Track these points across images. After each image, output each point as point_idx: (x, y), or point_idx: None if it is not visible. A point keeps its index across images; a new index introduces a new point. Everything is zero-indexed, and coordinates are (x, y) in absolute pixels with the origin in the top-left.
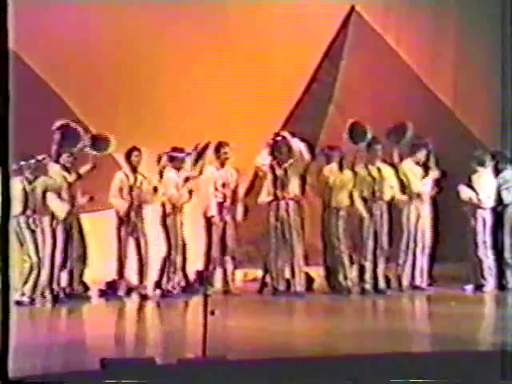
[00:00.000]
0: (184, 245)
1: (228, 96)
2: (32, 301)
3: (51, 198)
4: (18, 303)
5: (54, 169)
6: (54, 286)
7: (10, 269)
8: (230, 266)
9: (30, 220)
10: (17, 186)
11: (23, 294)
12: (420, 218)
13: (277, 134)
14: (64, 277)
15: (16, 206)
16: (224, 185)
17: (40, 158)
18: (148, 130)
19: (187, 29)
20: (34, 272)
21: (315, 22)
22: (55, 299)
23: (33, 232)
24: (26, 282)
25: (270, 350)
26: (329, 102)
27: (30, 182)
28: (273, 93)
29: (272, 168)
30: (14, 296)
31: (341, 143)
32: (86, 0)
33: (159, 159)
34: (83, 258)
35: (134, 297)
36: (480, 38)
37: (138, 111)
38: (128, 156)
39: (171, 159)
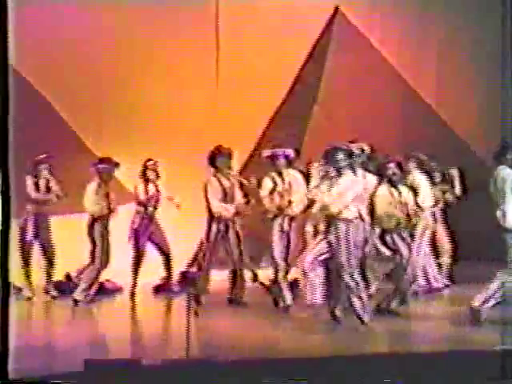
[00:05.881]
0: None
1: (213, 96)
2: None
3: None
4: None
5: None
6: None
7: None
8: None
9: None
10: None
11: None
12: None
13: None
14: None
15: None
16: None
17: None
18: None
19: (173, 30)
20: None
21: (300, 22)
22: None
23: None
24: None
25: (254, 350)
26: (313, 103)
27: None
28: (258, 93)
29: None
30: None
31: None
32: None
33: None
34: None
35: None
36: (463, 38)
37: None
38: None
39: None
